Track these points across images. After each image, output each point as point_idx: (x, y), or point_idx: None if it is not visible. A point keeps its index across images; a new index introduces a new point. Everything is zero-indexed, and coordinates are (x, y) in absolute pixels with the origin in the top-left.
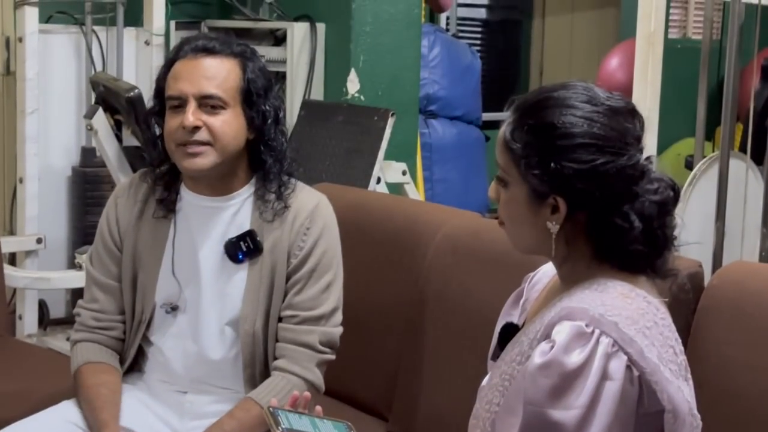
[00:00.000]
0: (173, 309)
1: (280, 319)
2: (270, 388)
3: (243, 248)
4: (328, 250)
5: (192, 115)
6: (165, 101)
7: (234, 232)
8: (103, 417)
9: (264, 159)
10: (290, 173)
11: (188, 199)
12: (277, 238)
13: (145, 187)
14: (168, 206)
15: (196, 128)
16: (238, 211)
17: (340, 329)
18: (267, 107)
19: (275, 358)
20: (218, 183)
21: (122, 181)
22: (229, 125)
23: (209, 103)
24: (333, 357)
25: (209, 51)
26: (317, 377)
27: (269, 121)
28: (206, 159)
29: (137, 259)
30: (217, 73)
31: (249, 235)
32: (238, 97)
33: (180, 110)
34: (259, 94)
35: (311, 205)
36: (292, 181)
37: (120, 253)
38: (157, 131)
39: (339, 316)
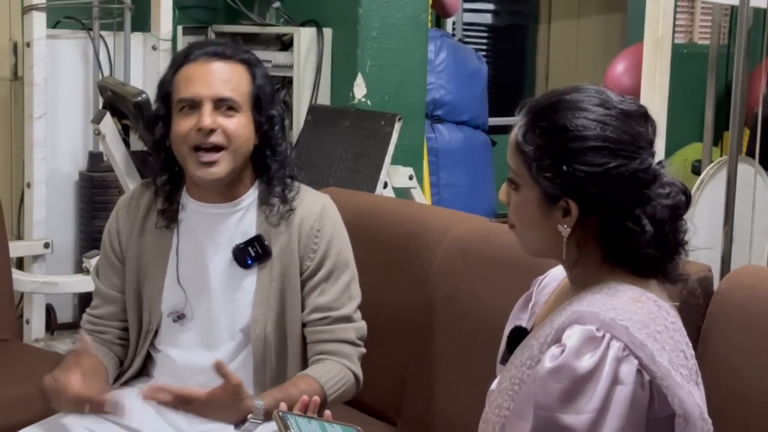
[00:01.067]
0: (180, 317)
1: (304, 325)
2: (327, 369)
3: (252, 253)
4: (342, 250)
5: (209, 117)
6: (170, 105)
7: (240, 238)
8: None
9: (269, 164)
10: (293, 176)
11: (191, 207)
12: (285, 242)
13: (146, 197)
14: (170, 216)
15: (212, 131)
16: (243, 216)
17: (365, 323)
18: (274, 112)
19: (308, 362)
20: (225, 189)
21: (124, 194)
22: (243, 128)
23: (224, 106)
24: (365, 350)
25: (221, 56)
26: (360, 372)
27: (276, 126)
28: (221, 167)
29: (141, 270)
30: (231, 77)
31: (257, 240)
32: (249, 102)
33: (192, 113)
34: (267, 99)
35: (318, 207)
36: (296, 184)
37: (122, 265)
38: (157, 136)
39: (359, 312)
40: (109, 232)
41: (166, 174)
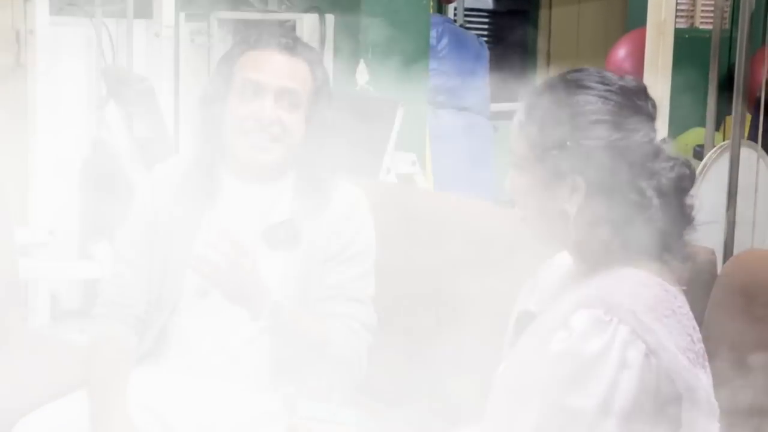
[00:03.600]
0: (203, 294)
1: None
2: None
3: (282, 235)
4: (367, 243)
5: (270, 109)
6: (230, 83)
7: (273, 219)
8: (113, 391)
9: (315, 158)
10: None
11: (228, 182)
12: (316, 228)
13: (183, 169)
14: (207, 189)
15: (271, 123)
16: (278, 198)
17: (376, 316)
18: (329, 114)
19: None
20: (266, 170)
21: (161, 165)
22: (299, 125)
23: (286, 99)
24: (371, 339)
25: (291, 50)
26: (364, 356)
27: (328, 125)
28: (270, 156)
29: (170, 241)
30: (297, 73)
31: (288, 223)
32: (308, 99)
33: (253, 98)
34: (325, 101)
35: (352, 197)
36: (334, 173)
37: (152, 234)
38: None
39: (372, 305)
40: (144, 201)
41: (209, 147)
